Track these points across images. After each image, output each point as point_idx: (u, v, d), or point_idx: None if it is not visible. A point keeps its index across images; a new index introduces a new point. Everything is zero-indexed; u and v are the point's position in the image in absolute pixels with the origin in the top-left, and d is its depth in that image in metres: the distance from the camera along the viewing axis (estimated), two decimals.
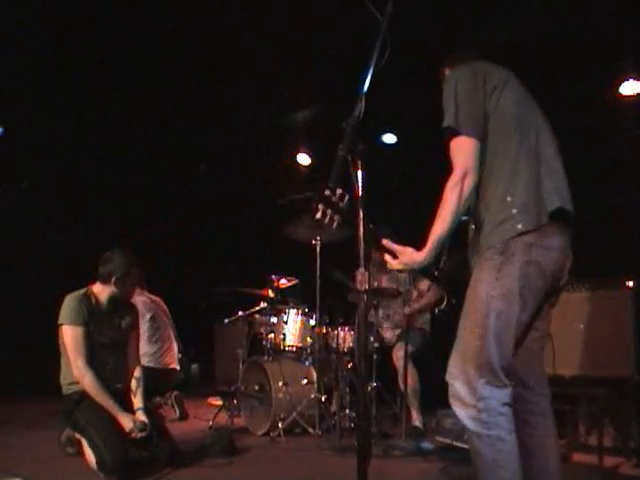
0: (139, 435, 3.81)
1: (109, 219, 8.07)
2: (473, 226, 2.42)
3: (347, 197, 2.24)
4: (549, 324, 2.53)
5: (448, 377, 2.32)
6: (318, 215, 2.27)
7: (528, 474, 2.28)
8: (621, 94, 5.55)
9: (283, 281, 5.83)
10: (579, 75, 5.36)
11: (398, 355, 5.29)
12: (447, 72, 2.66)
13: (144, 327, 6.07)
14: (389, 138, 7.39)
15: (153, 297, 6.36)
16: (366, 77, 2.21)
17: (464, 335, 2.32)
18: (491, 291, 2.26)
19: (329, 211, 2.26)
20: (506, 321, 2.25)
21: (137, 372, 4.18)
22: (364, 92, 2.21)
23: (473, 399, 2.22)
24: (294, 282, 5.88)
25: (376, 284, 5.81)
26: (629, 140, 5.29)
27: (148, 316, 6.11)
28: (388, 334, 5.85)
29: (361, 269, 2.21)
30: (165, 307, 6.43)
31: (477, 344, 2.25)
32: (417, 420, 5.31)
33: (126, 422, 3.82)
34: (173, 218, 8.85)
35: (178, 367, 6.28)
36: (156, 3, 6.07)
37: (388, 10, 2.23)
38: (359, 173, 2.22)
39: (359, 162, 2.22)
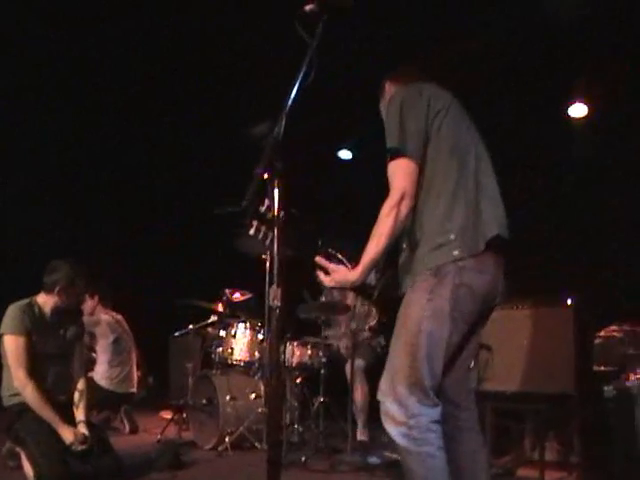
0: (80, 448, 3.75)
1: (71, 234, 7.92)
2: (404, 245, 2.41)
3: (282, 213, 2.20)
4: (479, 342, 2.56)
5: (379, 395, 2.32)
6: (252, 231, 2.28)
7: None
8: (569, 116, 5.71)
9: (237, 295, 5.82)
10: (529, 96, 5.48)
11: (348, 370, 5.35)
12: (389, 87, 2.67)
13: (107, 350, 6.01)
14: (345, 154, 7.48)
15: (117, 316, 6.27)
16: (289, 97, 2.18)
17: (395, 354, 2.31)
18: (423, 312, 2.25)
19: (263, 227, 2.27)
20: (437, 342, 2.25)
21: (81, 384, 4.11)
22: (286, 111, 2.18)
23: (404, 416, 2.22)
24: (248, 296, 5.86)
25: (335, 298, 5.83)
26: (574, 162, 5.41)
27: (112, 338, 6.04)
28: (344, 349, 5.89)
29: (274, 286, 2.16)
30: (127, 327, 6.34)
31: (408, 364, 2.25)
32: (363, 434, 5.34)
33: (67, 435, 3.76)
34: (131, 230, 8.77)
35: (135, 390, 6.23)
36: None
37: (318, 32, 2.21)
38: (276, 191, 2.18)
39: (276, 180, 2.18)
